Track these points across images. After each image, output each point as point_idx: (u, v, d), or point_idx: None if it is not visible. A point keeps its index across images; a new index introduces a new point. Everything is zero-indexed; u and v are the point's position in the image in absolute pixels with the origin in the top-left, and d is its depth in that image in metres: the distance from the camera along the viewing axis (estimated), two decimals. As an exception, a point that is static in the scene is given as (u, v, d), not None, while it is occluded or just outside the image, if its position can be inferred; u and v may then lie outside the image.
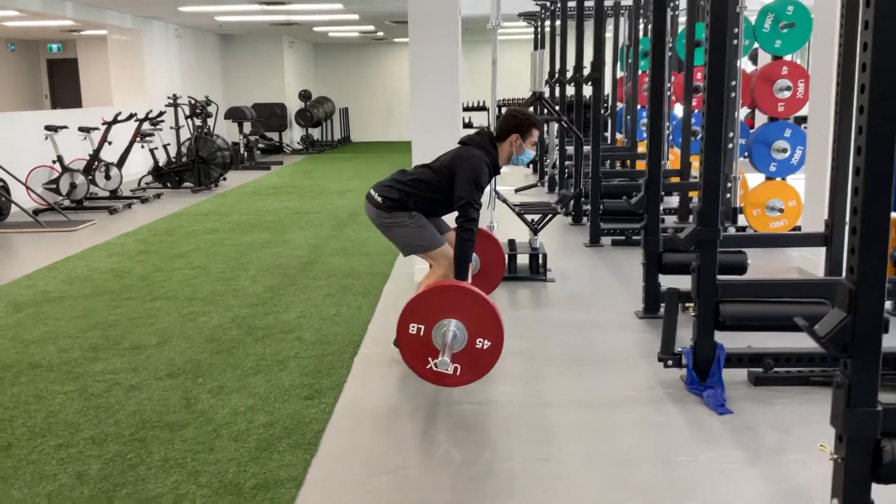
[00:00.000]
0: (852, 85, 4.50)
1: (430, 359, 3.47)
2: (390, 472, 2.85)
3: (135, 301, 5.20)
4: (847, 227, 2.14)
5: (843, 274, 2.20)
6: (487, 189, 4.30)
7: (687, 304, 3.70)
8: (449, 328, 3.45)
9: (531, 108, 5.80)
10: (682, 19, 8.44)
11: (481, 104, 15.93)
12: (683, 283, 4.55)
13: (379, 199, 3.86)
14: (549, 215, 5.68)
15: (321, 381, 3.73)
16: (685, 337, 3.74)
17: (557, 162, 9.34)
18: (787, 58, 6.44)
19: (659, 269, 4.59)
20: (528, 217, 5.72)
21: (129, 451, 3.03)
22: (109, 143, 9.55)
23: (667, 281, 4.58)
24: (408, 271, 5.76)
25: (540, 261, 5.60)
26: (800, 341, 3.66)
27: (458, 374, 3.50)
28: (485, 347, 3.49)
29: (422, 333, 3.47)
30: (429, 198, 3.84)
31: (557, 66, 9.81)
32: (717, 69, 3.38)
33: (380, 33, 17.21)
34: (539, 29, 11.76)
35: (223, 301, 5.16)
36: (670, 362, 3.60)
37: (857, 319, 2.08)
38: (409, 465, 2.91)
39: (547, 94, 8.33)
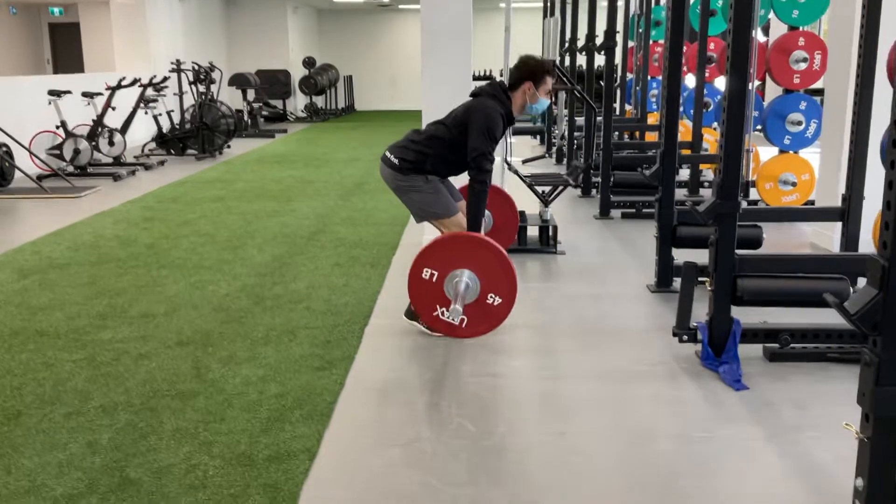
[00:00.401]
0: (874, 56, 4.41)
1: (438, 306, 3.43)
2: (404, 445, 2.82)
3: (141, 269, 5.15)
4: (882, 202, 2.08)
5: (876, 250, 2.15)
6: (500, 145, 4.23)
7: (701, 279, 3.66)
8: (462, 278, 3.40)
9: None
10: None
11: (487, 73, 15.77)
12: (696, 256, 4.53)
13: (395, 160, 3.80)
14: (560, 187, 5.61)
15: (332, 351, 3.69)
16: (699, 312, 3.69)
17: (566, 133, 9.24)
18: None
19: (673, 242, 4.53)
20: (539, 189, 5.65)
21: (140, 420, 3.00)
22: (113, 108, 9.46)
23: (680, 255, 4.54)
24: (416, 241, 5.71)
25: (550, 233, 5.53)
26: (816, 317, 3.64)
27: (465, 325, 3.47)
28: (495, 304, 3.46)
29: (434, 279, 3.43)
30: (444, 155, 3.77)
31: (568, 35, 9.65)
32: (741, 41, 3.29)
33: (385, 0, 17.01)
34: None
35: (231, 270, 5.11)
36: (685, 337, 3.56)
37: (889, 296, 2.02)
38: (422, 438, 2.88)
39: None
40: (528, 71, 3.81)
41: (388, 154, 3.84)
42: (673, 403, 3.15)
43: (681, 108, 8.23)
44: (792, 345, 3.54)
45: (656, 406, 3.14)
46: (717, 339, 3.47)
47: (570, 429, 2.94)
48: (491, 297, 3.45)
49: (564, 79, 5.23)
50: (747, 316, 3.57)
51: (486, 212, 4.46)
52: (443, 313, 3.42)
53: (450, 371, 3.52)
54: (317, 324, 4.08)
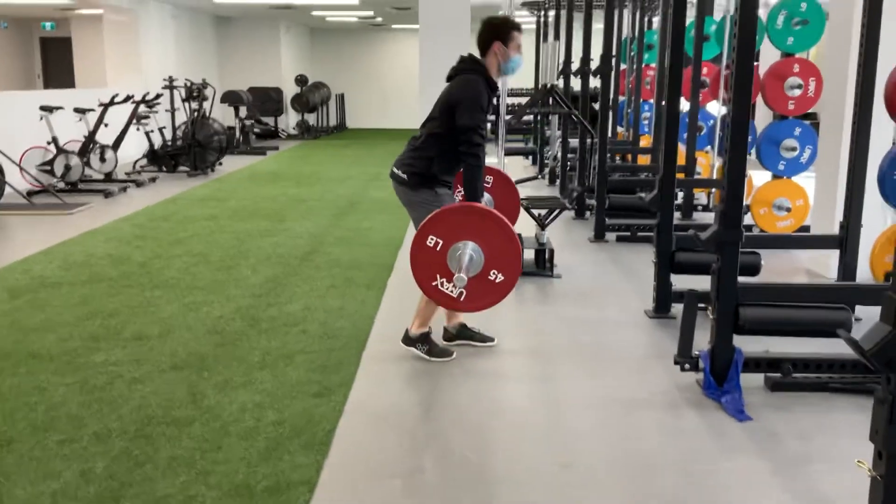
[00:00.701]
0: (873, 84, 4.43)
1: (438, 276, 3.39)
2: (406, 476, 2.77)
3: (134, 289, 5.09)
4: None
5: (874, 277, 2.13)
6: None
7: (700, 304, 3.64)
8: (466, 250, 3.35)
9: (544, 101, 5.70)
10: (689, 12, 8.33)
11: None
12: (694, 282, 4.51)
13: (404, 175, 3.76)
14: (557, 210, 5.59)
15: (329, 377, 3.64)
16: (699, 339, 3.66)
17: (559, 154, 9.25)
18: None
19: (671, 268, 4.52)
20: (535, 212, 5.63)
21: (135, 448, 2.93)
22: (105, 125, 9.39)
23: (678, 280, 4.53)
24: (412, 264, 5.66)
25: (546, 256, 5.51)
26: (817, 346, 3.62)
27: (462, 299, 3.42)
28: (497, 281, 3.41)
29: (439, 248, 3.37)
30: (445, 149, 3.70)
31: (562, 58, 9.68)
32: (744, 70, 3.29)
33: (378, 19, 17.04)
34: (543, 19, 11.65)
35: (225, 291, 5.05)
36: (687, 366, 3.53)
37: (904, 333, 2.00)
38: (424, 469, 2.83)
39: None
40: (494, 31, 3.73)
41: (395, 170, 3.80)
42: (676, 434, 3.12)
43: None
44: (794, 374, 3.52)
45: (660, 436, 3.11)
46: (718, 368, 3.44)
47: (574, 459, 2.90)
48: (493, 273, 3.39)
49: (562, 103, 5.22)
50: (747, 344, 3.54)
51: (487, 195, 4.40)
52: (442, 284, 3.37)
53: (450, 398, 3.47)
54: (313, 348, 4.02)
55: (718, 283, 3.42)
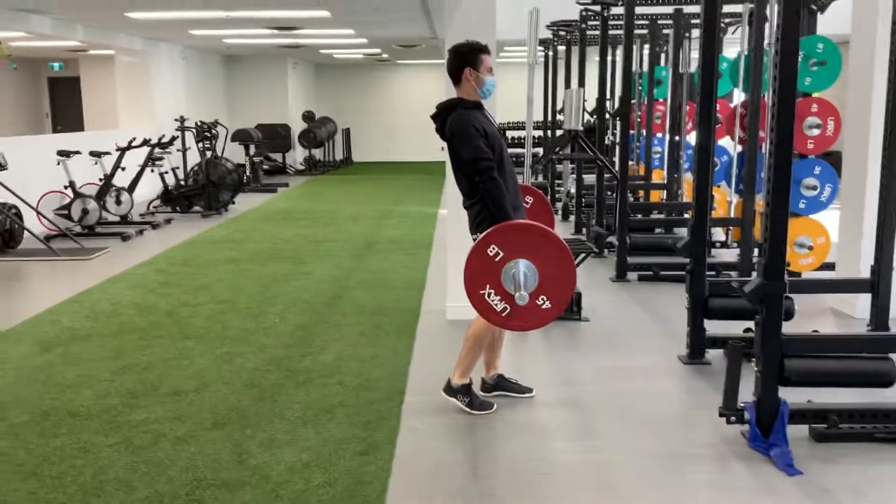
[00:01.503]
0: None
1: (488, 286, 3.41)
2: (465, 541, 2.76)
3: (165, 340, 5.09)
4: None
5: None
6: None
7: (740, 348, 3.64)
8: (524, 269, 3.38)
9: (567, 149, 5.73)
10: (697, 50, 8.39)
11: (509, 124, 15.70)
12: (727, 328, 4.51)
13: (480, 234, 3.69)
14: (584, 254, 5.61)
15: (373, 433, 3.62)
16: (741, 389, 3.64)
17: (573, 191, 9.30)
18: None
19: (704, 313, 4.52)
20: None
21: (189, 514, 2.93)
22: (122, 168, 9.44)
23: (709, 325, 4.54)
24: (439, 308, 5.67)
25: (574, 299, 5.51)
26: (860, 396, 3.62)
27: (504, 315, 3.43)
28: (543, 307, 3.42)
29: (497, 259, 3.38)
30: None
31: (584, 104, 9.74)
32: (786, 110, 3.32)
33: (384, 55, 17.20)
34: (553, 54, 11.77)
35: (256, 340, 5.05)
36: (733, 418, 3.52)
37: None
38: (482, 533, 2.82)
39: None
40: (462, 59, 3.75)
41: (473, 236, 3.73)
42: (730, 491, 3.10)
43: (685, 166, 8.38)
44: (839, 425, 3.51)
45: (714, 493, 3.09)
46: (764, 420, 3.44)
47: (630, 520, 2.89)
48: (542, 298, 3.41)
49: (588, 149, 5.26)
50: (789, 395, 3.53)
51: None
52: (489, 294, 3.38)
53: (496, 454, 3.46)
54: (352, 401, 4.01)
55: (763, 335, 3.43)
